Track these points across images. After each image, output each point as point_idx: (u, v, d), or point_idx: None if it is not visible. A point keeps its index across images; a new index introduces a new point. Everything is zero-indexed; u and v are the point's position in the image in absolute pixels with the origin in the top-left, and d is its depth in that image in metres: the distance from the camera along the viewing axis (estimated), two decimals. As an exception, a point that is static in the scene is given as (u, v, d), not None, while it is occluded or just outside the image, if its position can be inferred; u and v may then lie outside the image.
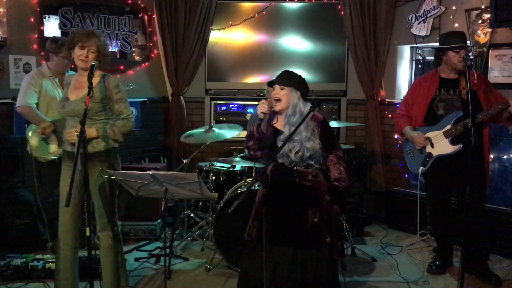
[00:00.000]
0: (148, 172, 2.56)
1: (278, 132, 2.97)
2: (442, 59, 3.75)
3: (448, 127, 3.68)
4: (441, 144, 3.72)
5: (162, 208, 2.70)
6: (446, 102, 3.75)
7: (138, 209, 4.70)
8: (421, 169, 3.85)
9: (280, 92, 2.93)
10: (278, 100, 2.93)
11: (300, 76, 3.03)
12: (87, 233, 2.85)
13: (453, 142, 3.68)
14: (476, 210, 3.67)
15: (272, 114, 3.05)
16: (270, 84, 3.07)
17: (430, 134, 3.78)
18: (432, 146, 3.78)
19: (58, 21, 4.95)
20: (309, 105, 2.93)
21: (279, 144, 2.89)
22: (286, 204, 2.87)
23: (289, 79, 2.97)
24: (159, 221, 4.76)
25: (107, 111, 3.17)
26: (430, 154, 3.81)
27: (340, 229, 3.07)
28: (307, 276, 2.90)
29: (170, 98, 5.78)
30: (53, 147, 3.88)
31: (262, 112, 2.92)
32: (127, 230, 4.67)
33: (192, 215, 4.71)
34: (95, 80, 3.12)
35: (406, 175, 5.35)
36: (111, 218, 3.25)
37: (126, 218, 4.68)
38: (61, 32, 4.94)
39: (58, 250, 3.20)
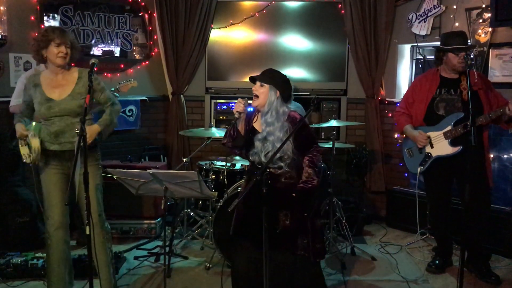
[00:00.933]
0: (148, 170, 2.56)
1: (255, 131, 3.00)
2: (442, 59, 3.73)
3: (449, 128, 3.67)
4: (440, 145, 3.72)
5: (162, 207, 2.70)
6: (446, 102, 3.74)
7: (138, 207, 4.71)
8: (419, 168, 3.84)
9: (259, 89, 2.97)
10: (256, 96, 2.97)
11: (284, 76, 3.05)
12: (87, 232, 2.85)
13: (453, 143, 3.67)
14: (480, 211, 3.66)
15: (252, 112, 3.08)
16: (252, 79, 3.07)
17: (430, 134, 3.77)
18: (432, 146, 3.77)
19: (58, 20, 4.95)
20: (288, 105, 2.97)
21: (256, 143, 2.93)
22: (258, 206, 2.81)
23: (271, 77, 2.99)
24: (159, 219, 4.76)
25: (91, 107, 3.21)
26: (429, 154, 3.80)
27: (318, 231, 3.04)
28: (285, 278, 2.91)
29: (170, 96, 5.77)
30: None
31: (237, 111, 2.93)
32: (127, 229, 4.69)
33: (192, 213, 4.71)
34: (74, 76, 3.15)
35: (406, 175, 5.35)
36: (101, 215, 3.25)
37: (126, 216, 4.70)
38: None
39: (49, 247, 3.19)
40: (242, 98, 2.97)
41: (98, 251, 3.16)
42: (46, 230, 3.21)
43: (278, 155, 2.80)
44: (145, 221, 4.73)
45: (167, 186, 2.64)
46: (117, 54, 5.44)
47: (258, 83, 3.00)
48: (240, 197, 2.33)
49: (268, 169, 2.87)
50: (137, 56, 5.64)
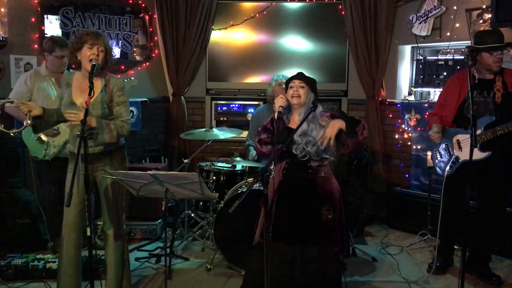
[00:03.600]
0: (149, 172, 2.56)
1: (291, 130, 3.04)
2: (476, 59, 3.58)
3: (478, 132, 3.51)
4: (469, 149, 3.64)
5: (163, 208, 2.70)
6: (478, 105, 3.57)
7: (139, 209, 4.70)
8: (447, 171, 3.72)
9: (300, 89, 3.05)
10: (298, 96, 3.04)
11: (314, 80, 3.16)
12: (88, 233, 2.86)
13: (482, 148, 3.53)
14: (498, 213, 3.63)
15: (283, 113, 3.10)
16: (292, 78, 3.12)
17: (459, 137, 3.67)
18: (461, 149, 3.67)
19: (59, 21, 4.95)
20: (320, 106, 3.08)
21: (296, 137, 2.98)
22: (300, 201, 2.91)
23: (307, 79, 3.09)
24: (159, 221, 4.76)
25: (107, 115, 3.14)
26: (457, 158, 3.69)
27: (348, 230, 3.14)
28: (313, 275, 2.93)
29: (171, 98, 5.78)
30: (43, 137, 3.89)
31: (280, 106, 2.98)
32: (127, 230, 4.65)
33: (192, 215, 4.70)
34: (100, 83, 3.11)
35: (407, 175, 5.34)
36: (119, 218, 3.26)
37: (127, 218, 4.65)
38: (62, 32, 4.95)
39: (61, 249, 3.20)
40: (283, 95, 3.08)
41: (108, 253, 3.20)
42: (62, 230, 3.22)
43: (321, 147, 2.93)
44: (146, 223, 4.73)
45: (168, 187, 2.64)
46: (118, 56, 5.43)
47: (296, 82, 3.07)
48: (240, 198, 2.32)
49: (309, 163, 2.99)
50: (137, 58, 5.65)
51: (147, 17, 5.60)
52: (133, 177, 2.62)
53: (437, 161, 3.89)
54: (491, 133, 3.48)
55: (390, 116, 5.47)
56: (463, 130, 3.66)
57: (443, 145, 3.83)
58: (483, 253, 3.84)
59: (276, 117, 2.96)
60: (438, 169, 3.90)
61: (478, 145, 3.51)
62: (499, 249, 4.23)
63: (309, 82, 3.09)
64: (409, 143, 5.30)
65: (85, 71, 3.09)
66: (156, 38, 5.66)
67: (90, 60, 3.03)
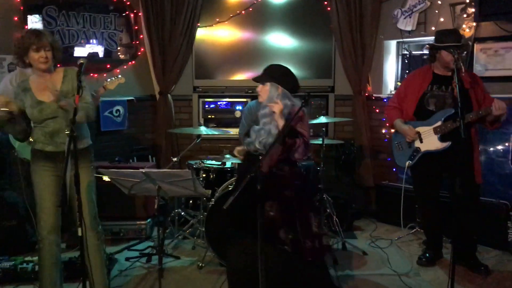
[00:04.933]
0: (141, 170, 2.54)
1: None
2: (435, 56, 3.75)
3: (439, 123, 3.70)
4: (430, 140, 3.75)
5: (156, 206, 2.69)
6: (437, 98, 3.76)
7: (128, 208, 4.67)
8: (408, 163, 3.88)
9: (261, 88, 3.07)
10: (260, 96, 3.08)
11: (283, 69, 3.11)
12: (79, 233, 2.83)
13: (442, 139, 3.70)
14: (469, 204, 3.70)
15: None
16: (255, 80, 3.14)
17: (419, 129, 3.80)
18: (421, 141, 3.81)
19: (40, 21, 4.87)
20: (292, 99, 3.04)
21: (251, 133, 3.02)
22: (248, 194, 2.80)
23: (268, 74, 3.06)
24: (149, 220, 4.73)
25: None
26: (418, 149, 3.84)
27: (309, 228, 2.99)
28: (278, 275, 2.90)
29: (157, 96, 5.74)
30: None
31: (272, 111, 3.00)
32: (117, 230, 4.64)
33: (183, 213, 4.69)
34: (59, 76, 3.10)
35: (394, 169, 5.39)
36: (96, 217, 3.23)
37: (116, 217, 4.64)
38: (46, 31, 4.87)
39: (41, 251, 3.14)
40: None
41: (92, 254, 3.13)
42: (38, 233, 3.16)
43: (270, 140, 2.90)
44: (136, 222, 4.68)
45: (160, 186, 2.62)
46: (102, 55, 5.38)
47: (260, 85, 3.09)
48: (235, 194, 2.32)
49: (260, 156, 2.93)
50: (121, 56, 5.59)
51: (132, 15, 5.55)
52: (125, 176, 2.60)
53: (397, 153, 4.03)
54: (451, 124, 3.62)
55: (377, 111, 5.51)
56: (422, 122, 3.79)
57: (401, 139, 3.95)
58: (468, 243, 3.90)
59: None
60: (397, 161, 4.05)
61: (438, 136, 3.70)
62: (486, 240, 4.30)
63: (271, 78, 3.05)
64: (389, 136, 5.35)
65: (37, 71, 3.09)
66: (141, 36, 5.61)
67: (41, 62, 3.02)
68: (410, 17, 5.10)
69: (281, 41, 5.72)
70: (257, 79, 3.10)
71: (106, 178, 4.47)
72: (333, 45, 5.65)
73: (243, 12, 5.66)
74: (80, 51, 5.19)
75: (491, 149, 4.59)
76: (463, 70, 3.23)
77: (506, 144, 4.50)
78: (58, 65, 3.21)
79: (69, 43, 5.05)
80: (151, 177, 2.56)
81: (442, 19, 4.83)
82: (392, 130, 4.18)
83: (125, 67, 5.56)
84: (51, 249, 3.13)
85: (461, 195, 3.40)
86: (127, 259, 4.15)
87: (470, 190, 3.68)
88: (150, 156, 5.67)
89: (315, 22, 5.67)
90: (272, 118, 2.97)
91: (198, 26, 5.68)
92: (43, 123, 3.09)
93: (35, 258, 3.82)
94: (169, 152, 5.66)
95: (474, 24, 4.58)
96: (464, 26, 4.65)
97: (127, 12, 5.51)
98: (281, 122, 2.91)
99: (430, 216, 4.04)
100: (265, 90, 3.03)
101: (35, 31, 3.07)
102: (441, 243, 4.16)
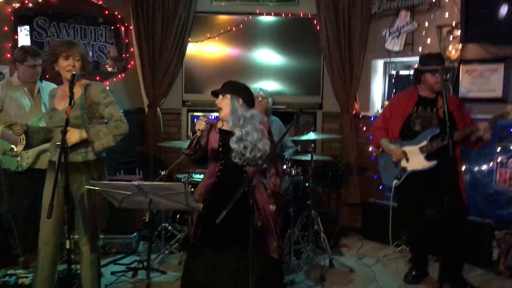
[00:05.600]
0: (133, 182, 2.53)
1: (227, 134, 3.09)
2: (420, 79, 3.84)
3: (424, 143, 3.76)
4: (416, 159, 3.80)
5: (146, 220, 2.66)
6: (422, 119, 3.83)
7: (113, 222, 4.62)
8: (395, 182, 3.92)
9: (221, 101, 3.12)
10: (220, 109, 3.13)
11: (242, 84, 3.21)
12: (67, 246, 2.80)
13: (428, 158, 3.75)
14: (456, 223, 3.74)
15: (212, 125, 3.22)
16: (214, 93, 3.21)
17: (406, 149, 3.85)
18: (407, 160, 3.86)
19: (28, 32, 4.84)
20: (254, 111, 3.16)
21: (232, 144, 3.03)
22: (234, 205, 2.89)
23: (230, 87, 3.14)
24: (135, 234, 4.68)
25: (94, 120, 3.15)
26: (404, 168, 3.88)
27: (280, 232, 3.17)
28: (251, 280, 2.90)
29: (146, 109, 5.73)
30: (19, 148, 3.74)
31: (199, 129, 3.08)
32: (102, 244, 4.56)
33: (169, 228, 4.65)
34: (79, 90, 3.10)
35: (380, 187, 5.43)
36: (94, 231, 3.20)
37: (101, 231, 4.56)
38: (35, 42, 4.85)
39: (36, 263, 3.12)
40: (203, 116, 3.18)
41: (86, 270, 3.12)
42: (38, 243, 3.14)
43: (259, 153, 3.04)
44: (121, 236, 4.64)
45: (152, 198, 2.61)
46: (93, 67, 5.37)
47: (220, 96, 3.14)
48: (227, 208, 2.32)
49: (245, 168, 3.08)
50: (109, 69, 5.58)
51: (123, 28, 5.56)
52: (117, 188, 2.58)
53: (384, 172, 4.08)
54: (437, 144, 3.67)
55: (364, 129, 5.58)
56: (408, 141, 3.85)
57: (388, 158, 4.00)
58: (455, 262, 3.93)
59: (195, 140, 3.08)
60: (384, 181, 4.12)
61: (424, 155, 3.76)
62: (471, 258, 4.33)
63: (233, 89, 3.13)
64: (376, 155, 5.41)
65: (65, 80, 3.14)
66: (132, 49, 5.62)
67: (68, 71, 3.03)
68: (398, 38, 5.19)
69: (270, 58, 5.78)
70: (217, 91, 3.16)
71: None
72: (322, 63, 5.73)
73: (233, 28, 5.72)
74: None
75: (476, 168, 4.66)
76: (452, 94, 3.31)
77: (490, 164, 4.58)
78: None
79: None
80: (143, 190, 2.55)
81: (429, 41, 4.94)
82: (377, 149, 4.23)
83: (114, 79, 5.55)
84: (45, 262, 3.11)
85: (450, 213, 3.47)
86: (112, 273, 4.10)
87: (459, 209, 3.73)
88: (137, 169, 5.63)
89: (305, 40, 5.75)
90: (247, 130, 3.04)
91: (189, 41, 5.71)
92: (53, 132, 3.15)
93: (18, 272, 3.77)
94: (157, 166, 5.63)
95: (460, 46, 4.68)
96: (450, 47, 4.75)
97: (118, 25, 5.52)
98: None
99: (416, 234, 4.08)
100: (226, 103, 3.10)
101: (67, 41, 3.16)
102: (427, 261, 4.20)
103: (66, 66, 3.06)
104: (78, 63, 3.09)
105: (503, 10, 4.27)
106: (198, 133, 3.08)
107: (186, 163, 5.62)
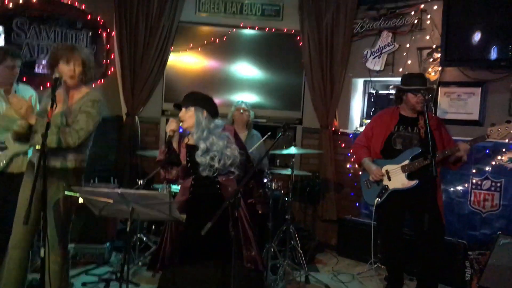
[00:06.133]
0: (116, 190, 2.46)
1: (193, 148, 3.05)
2: (402, 98, 3.87)
3: (406, 162, 3.78)
4: (397, 178, 3.83)
5: (128, 229, 2.59)
6: (403, 138, 3.86)
7: (86, 231, 4.49)
8: (376, 200, 3.92)
9: (185, 114, 3.08)
10: (183, 121, 3.08)
11: (205, 95, 3.17)
12: (41, 254, 2.70)
13: (409, 177, 3.77)
14: (434, 242, 3.78)
15: (182, 136, 3.17)
16: (177, 106, 3.17)
17: (388, 167, 3.87)
18: (389, 179, 3.87)
19: (11, 31, 4.72)
20: (218, 120, 3.11)
21: (198, 158, 2.99)
22: (209, 217, 2.75)
23: (194, 99, 3.10)
24: (107, 244, 4.57)
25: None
26: (386, 187, 3.90)
27: (257, 241, 3.12)
28: None
29: (124, 117, 5.64)
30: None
31: (171, 130, 3.03)
32: (73, 254, 4.43)
33: (144, 238, 4.56)
34: (79, 95, 3.05)
35: (357, 204, 5.47)
36: (62, 240, 3.09)
37: (72, 240, 4.42)
38: (14, 43, 4.71)
39: (3, 265, 3.00)
40: (173, 118, 3.09)
41: (52, 279, 2.99)
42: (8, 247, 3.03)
43: (229, 161, 2.99)
44: (93, 245, 4.51)
45: (134, 208, 2.55)
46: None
47: (183, 109, 3.10)
48: (212, 221, 2.29)
49: (217, 179, 3.03)
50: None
51: (105, 34, 5.48)
52: (99, 196, 2.51)
53: (366, 190, 4.09)
54: (419, 163, 3.70)
55: (343, 145, 5.62)
56: (390, 160, 3.88)
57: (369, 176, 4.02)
58: (431, 281, 3.96)
59: (166, 141, 3.04)
60: (366, 199, 4.11)
61: (406, 174, 3.78)
62: (445, 278, 4.38)
63: (196, 102, 3.09)
64: (360, 173, 5.44)
65: (64, 85, 3.05)
66: (113, 55, 5.54)
67: (54, 75, 2.96)
68: (379, 58, 5.29)
69: (252, 71, 5.79)
70: (179, 104, 3.12)
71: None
72: (303, 79, 5.77)
73: (217, 40, 5.71)
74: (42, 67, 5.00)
75: (451, 189, 4.75)
76: (433, 115, 3.36)
77: (465, 185, 4.67)
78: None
79: (37, 57, 4.90)
80: (126, 198, 2.48)
81: (409, 62, 5.04)
82: (359, 167, 4.25)
83: (93, 85, 5.42)
84: (11, 265, 2.99)
85: (429, 233, 3.50)
86: (83, 284, 3.98)
87: (438, 229, 3.77)
88: (112, 178, 5.50)
89: (287, 56, 5.80)
90: (212, 142, 3.00)
91: (171, 51, 5.67)
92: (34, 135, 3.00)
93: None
94: (133, 175, 5.53)
95: (440, 68, 4.80)
96: (430, 69, 4.86)
97: (100, 31, 5.43)
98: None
99: (393, 252, 4.08)
100: (190, 116, 3.05)
101: (69, 45, 3.09)
102: (402, 280, 4.21)
103: (67, 71, 2.98)
104: (79, 69, 3.02)
105: (477, 36, 4.41)
106: (170, 133, 3.02)
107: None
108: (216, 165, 2.99)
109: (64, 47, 3.06)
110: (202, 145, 2.99)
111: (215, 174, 3.03)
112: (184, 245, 3.01)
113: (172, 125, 3.03)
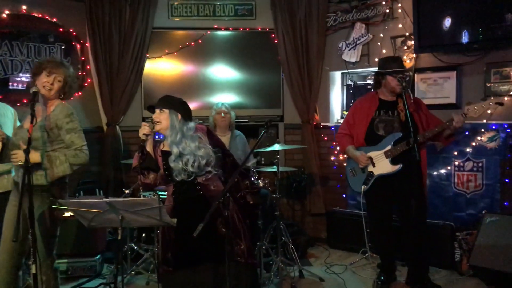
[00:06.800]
0: (104, 199, 2.45)
1: (168, 154, 3.05)
2: (381, 82, 3.91)
3: (389, 147, 3.84)
4: (382, 164, 3.88)
5: (119, 238, 2.58)
6: (385, 123, 3.91)
7: (76, 245, 4.46)
8: (363, 187, 3.97)
9: (159, 115, 3.07)
10: (158, 122, 3.06)
11: (179, 99, 3.18)
12: (33, 270, 2.67)
13: (393, 162, 3.83)
14: (420, 225, 3.84)
15: (159, 141, 3.17)
16: (150, 107, 3.17)
17: (371, 154, 3.93)
18: (374, 165, 3.93)
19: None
20: (191, 123, 3.09)
21: (171, 163, 2.99)
22: (196, 220, 2.76)
23: (169, 102, 3.11)
24: (98, 256, 4.53)
25: (55, 143, 3.03)
26: (371, 173, 3.95)
27: (249, 233, 3.12)
28: None
29: (105, 127, 5.59)
30: None
31: (144, 134, 3.01)
32: (64, 268, 4.39)
33: (135, 247, 4.53)
34: (50, 109, 3.02)
35: (344, 195, 5.52)
36: (50, 255, 3.06)
37: (63, 255, 4.39)
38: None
39: None
40: (146, 122, 3.08)
41: None
42: None
43: (203, 161, 2.97)
44: (84, 259, 4.47)
45: (124, 216, 2.53)
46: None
47: (157, 111, 3.10)
48: (204, 222, 2.29)
49: (196, 181, 3.02)
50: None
51: (78, 46, 5.42)
52: (87, 206, 2.49)
53: (352, 178, 4.13)
54: (401, 147, 3.75)
55: (326, 139, 5.67)
56: (373, 147, 3.94)
57: (355, 164, 4.06)
58: (422, 265, 4.02)
59: (139, 146, 3.03)
60: (353, 187, 4.16)
61: (390, 159, 3.83)
62: (435, 261, 4.45)
63: (171, 104, 3.09)
64: (344, 164, 5.49)
65: (41, 97, 3.04)
66: (88, 67, 5.49)
67: (32, 88, 2.93)
68: (354, 49, 5.35)
69: (230, 72, 5.80)
70: (154, 106, 3.12)
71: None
72: (281, 76, 5.80)
73: (192, 43, 5.70)
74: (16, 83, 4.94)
75: (435, 173, 4.83)
76: (411, 96, 3.41)
77: (449, 168, 4.75)
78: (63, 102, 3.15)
79: (11, 73, 4.84)
80: (115, 206, 2.47)
81: (384, 51, 5.11)
82: (344, 156, 4.29)
83: (71, 98, 5.36)
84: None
85: (415, 217, 3.55)
86: (77, 298, 3.94)
87: (422, 212, 3.83)
88: (97, 190, 5.46)
89: (263, 54, 5.81)
90: (186, 144, 2.99)
91: (147, 57, 5.64)
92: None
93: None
94: (117, 185, 5.49)
95: (414, 55, 4.87)
96: (405, 57, 4.92)
97: (73, 43, 5.38)
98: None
99: (384, 239, 4.14)
100: (164, 118, 3.05)
101: (57, 60, 3.08)
102: (395, 266, 4.27)
103: (44, 82, 2.97)
104: (58, 84, 3.01)
105: (447, 22, 4.50)
106: (143, 137, 3.00)
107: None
108: (190, 168, 2.97)
109: (51, 59, 3.06)
110: (174, 150, 2.98)
111: (191, 178, 3.01)
112: (176, 251, 2.99)
113: (144, 129, 3.00)
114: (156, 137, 3.17)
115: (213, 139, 3.17)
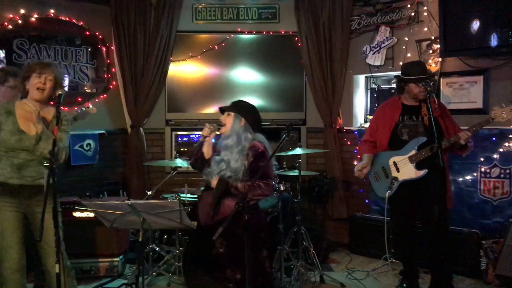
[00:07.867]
0: (126, 201, 2.48)
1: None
2: (404, 88, 3.86)
3: (413, 152, 3.76)
4: (406, 169, 3.82)
5: (140, 239, 2.60)
6: (409, 128, 3.85)
7: (98, 245, 4.51)
8: (387, 192, 3.89)
9: (225, 118, 3.12)
10: (224, 125, 3.11)
11: (251, 105, 3.20)
12: (56, 270, 2.70)
13: (418, 167, 3.76)
14: (442, 232, 3.77)
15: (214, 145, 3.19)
16: (221, 109, 3.22)
17: (395, 159, 3.87)
18: (398, 170, 3.87)
19: (12, 53, 4.77)
20: (253, 133, 3.12)
21: (212, 163, 3.05)
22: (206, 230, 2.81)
23: (235, 106, 3.15)
24: (121, 257, 4.58)
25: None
26: (396, 178, 3.88)
27: (261, 266, 3.03)
28: None
29: (129, 129, 5.66)
30: None
31: (202, 135, 3.08)
32: (87, 268, 4.46)
33: (157, 249, 4.57)
34: (50, 115, 3.07)
35: (366, 201, 5.46)
36: (62, 251, 3.09)
37: (85, 255, 4.47)
38: (16, 64, 4.75)
39: None
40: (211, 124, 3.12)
41: None
42: (1, 273, 3.01)
43: (228, 173, 2.96)
44: (107, 259, 4.52)
45: (145, 218, 2.56)
46: (74, 87, 5.30)
47: (225, 113, 3.15)
48: (223, 225, 2.29)
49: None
50: (88, 90, 5.49)
51: (104, 49, 5.52)
52: (109, 208, 2.52)
53: (375, 184, 4.07)
54: (426, 152, 3.68)
55: (348, 143, 5.62)
56: (397, 151, 3.88)
57: (378, 169, 4.01)
58: (445, 272, 3.95)
59: (197, 144, 3.10)
60: (376, 192, 4.09)
61: (414, 164, 3.76)
62: (459, 269, 4.37)
63: (238, 109, 3.12)
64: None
65: (31, 100, 3.05)
66: (113, 69, 5.57)
67: (57, 91, 2.98)
68: (378, 53, 5.29)
69: (253, 75, 5.80)
70: (223, 108, 3.18)
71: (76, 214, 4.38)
72: (304, 79, 5.77)
73: (215, 47, 5.73)
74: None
75: (460, 179, 4.73)
76: (436, 101, 3.36)
77: (474, 174, 4.65)
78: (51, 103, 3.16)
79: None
80: (136, 209, 2.49)
81: (409, 55, 5.04)
82: None
83: (96, 100, 5.48)
84: None
85: (437, 224, 3.48)
86: (99, 298, 3.99)
87: (444, 220, 3.76)
88: (121, 191, 5.54)
89: (287, 57, 5.80)
90: (232, 151, 3.00)
91: (171, 60, 5.69)
92: (13, 153, 2.98)
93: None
94: (141, 186, 5.55)
95: (440, 59, 4.79)
96: (430, 61, 4.85)
97: (99, 46, 5.48)
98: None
99: (407, 245, 4.07)
100: (229, 120, 3.09)
101: (44, 61, 3.15)
102: (417, 273, 4.19)
103: (36, 83, 2.99)
104: (50, 83, 3.03)
105: (475, 25, 4.40)
106: (201, 139, 3.08)
107: (172, 183, 5.58)
108: (214, 176, 3.01)
109: (39, 61, 3.14)
110: (223, 152, 3.02)
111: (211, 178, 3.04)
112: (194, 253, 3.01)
113: (204, 131, 3.08)
114: (213, 140, 3.21)
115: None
